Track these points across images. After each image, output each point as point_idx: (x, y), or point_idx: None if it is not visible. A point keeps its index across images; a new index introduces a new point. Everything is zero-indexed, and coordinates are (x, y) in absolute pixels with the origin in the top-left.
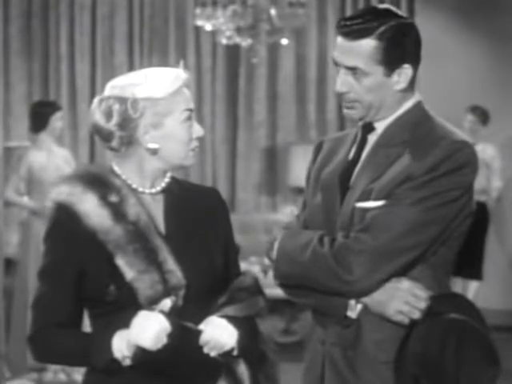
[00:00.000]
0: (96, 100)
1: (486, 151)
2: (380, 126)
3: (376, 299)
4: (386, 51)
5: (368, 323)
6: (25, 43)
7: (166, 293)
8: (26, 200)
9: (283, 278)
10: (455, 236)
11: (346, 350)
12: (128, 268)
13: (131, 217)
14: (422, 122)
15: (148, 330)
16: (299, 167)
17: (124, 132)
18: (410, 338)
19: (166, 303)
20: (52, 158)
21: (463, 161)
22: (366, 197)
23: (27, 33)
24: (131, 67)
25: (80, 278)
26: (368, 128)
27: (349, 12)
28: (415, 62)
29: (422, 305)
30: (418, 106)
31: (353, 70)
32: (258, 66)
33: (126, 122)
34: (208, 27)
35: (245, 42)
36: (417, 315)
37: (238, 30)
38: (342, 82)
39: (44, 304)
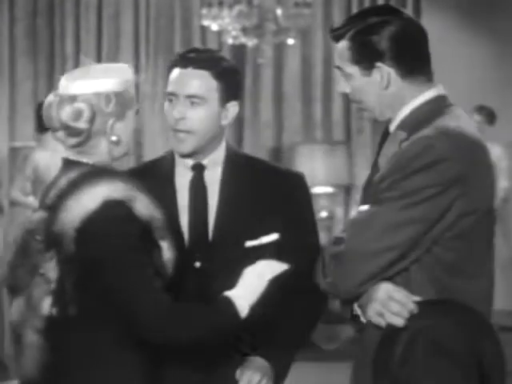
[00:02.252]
0: (56, 99)
1: (492, 151)
2: (392, 127)
3: (360, 301)
4: (357, 51)
5: (370, 326)
6: (30, 42)
7: None
8: (31, 200)
9: None
10: (450, 236)
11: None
12: (169, 250)
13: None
14: (425, 119)
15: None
16: (305, 167)
17: (93, 127)
18: (389, 341)
19: None
20: (57, 158)
21: (435, 157)
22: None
23: (33, 32)
24: (137, 67)
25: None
26: (386, 130)
27: (355, 12)
28: (394, 60)
29: (396, 308)
30: (430, 102)
31: (339, 69)
32: (263, 66)
33: (96, 117)
34: (214, 27)
35: (251, 42)
36: (392, 319)
37: (244, 30)
38: (339, 82)
39: (154, 290)
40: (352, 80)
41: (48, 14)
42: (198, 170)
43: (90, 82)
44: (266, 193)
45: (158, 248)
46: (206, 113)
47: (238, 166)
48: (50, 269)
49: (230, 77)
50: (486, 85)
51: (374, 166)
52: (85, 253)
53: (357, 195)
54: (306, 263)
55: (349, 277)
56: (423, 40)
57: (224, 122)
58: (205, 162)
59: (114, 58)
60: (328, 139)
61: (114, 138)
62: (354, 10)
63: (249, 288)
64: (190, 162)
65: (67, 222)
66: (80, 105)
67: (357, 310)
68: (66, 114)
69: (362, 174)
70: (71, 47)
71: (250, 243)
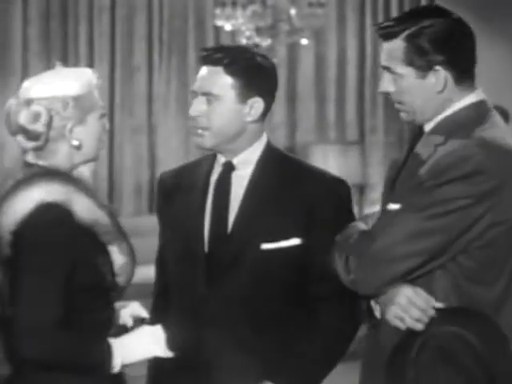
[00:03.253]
0: (15, 102)
1: None
2: (427, 128)
3: (380, 301)
4: (414, 53)
5: (387, 325)
6: (44, 44)
7: None
8: None
9: None
10: (477, 246)
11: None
12: (121, 255)
13: (107, 206)
14: (463, 125)
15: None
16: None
17: (52, 131)
18: (405, 345)
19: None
20: None
21: (472, 169)
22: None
23: (46, 34)
24: (150, 68)
25: (75, 272)
26: (419, 130)
27: (368, 12)
28: (452, 63)
29: (417, 314)
30: (471, 107)
31: (387, 69)
32: (277, 66)
33: (54, 121)
34: (227, 27)
35: (264, 42)
36: (412, 324)
37: (258, 30)
38: (382, 81)
39: (40, 301)
40: (402, 81)
41: (61, 15)
42: (227, 168)
43: (48, 86)
44: (293, 197)
45: (106, 253)
46: (221, 110)
47: (272, 167)
48: None
49: (251, 73)
50: (500, 84)
51: (403, 164)
52: (16, 256)
53: (370, 194)
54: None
55: (370, 278)
56: (474, 43)
57: (248, 119)
58: (235, 160)
59: (127, 59)
60: (341, 139)
61: (74, 143)
62: (368, 10)
63: (137, 348)
64: (222, 159)
65: (5, 224)
66: (37, 108)
67: (373, 305)
68: (23, 116)
69: (376, 174)
70: (84, 49)
71: (266, 246)
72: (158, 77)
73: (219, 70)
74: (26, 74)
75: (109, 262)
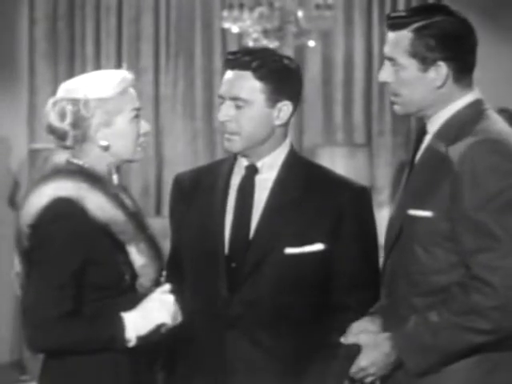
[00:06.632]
0: (50, 102)
1: None
2: (431, 128)
3: None
4: (420, 45)
5: None
6: (50, 45)
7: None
8: None
9: None
10: None
11: None
12: (139, 255)
13: (130, 207)
14: (466, 123)
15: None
16: None
17: (77, 131)
18: None
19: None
20: None
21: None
22: (417, 204)
23: (53, 35)
24: (157, 69)
25: (88, 268)
26: (423, 130)
27: (375, 14)
28: (455, 61)
29: None
30: (472, 105)
31: (390, 59)
32: None
33: (79, 122)
34: (235, 29)
35: (271, 45)
36: None
37: (265, 33)
38: (382, 70)
39: (46, 295)
40: (403, 72)
41: (68, 16)
42: (250, 171)
43: (75, 88)
44: (318, 202)
45: (124, 253)
46: (251, 114)
47: (295, 171)
48: (17, 263)
49: (279, 76)
50: (508, 85)
51: (411, 165)
52: (30, 248)
53: (378, 197)
54: (360, 279)
55: None
56: (476, 45)
57: (277, 123)
58: (259, 164)
59: (134, 60)
60: (349, 141)
61: (102, 143)
62: (375, 12)
63: (145, 319)
64: (245, 162)
65: (23, 218)
66: (63, 108)
67: None
68: (51, 116)
69: (383, 177)
70: (91, 50)
71: (290, 250)
72: (164, 78)
73: (247, 74)
74: (32, 74)
75: (127, 262)
